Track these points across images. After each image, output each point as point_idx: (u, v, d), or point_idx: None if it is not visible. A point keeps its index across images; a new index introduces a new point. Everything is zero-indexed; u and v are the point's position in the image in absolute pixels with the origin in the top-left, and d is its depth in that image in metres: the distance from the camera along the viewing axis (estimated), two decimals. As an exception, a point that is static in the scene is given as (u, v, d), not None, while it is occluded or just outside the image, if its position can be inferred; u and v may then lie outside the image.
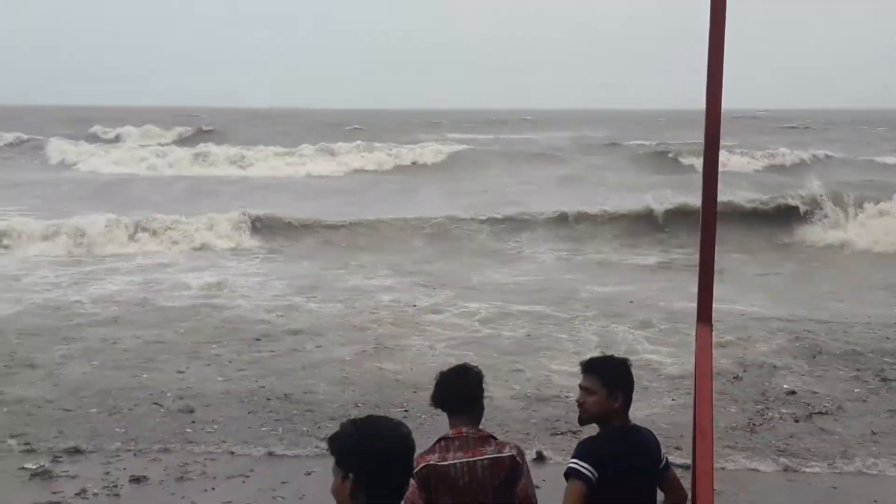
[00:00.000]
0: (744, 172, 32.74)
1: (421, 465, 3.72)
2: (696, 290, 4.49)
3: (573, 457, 3.77)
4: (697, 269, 4.45)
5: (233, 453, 7.83)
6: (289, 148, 40.07)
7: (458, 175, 34.09)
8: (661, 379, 9.91)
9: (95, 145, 42.70)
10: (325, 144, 40.50)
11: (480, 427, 3.95)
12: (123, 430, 8.34)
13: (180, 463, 7.61)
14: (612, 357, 4.11)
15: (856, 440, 8.19)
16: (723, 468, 7.35)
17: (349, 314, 13.15)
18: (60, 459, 7.61)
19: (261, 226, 20.97)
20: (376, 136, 47.84)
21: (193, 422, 8.56)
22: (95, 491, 7.03)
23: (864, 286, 15.81)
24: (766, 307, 13.64)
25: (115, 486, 7.13)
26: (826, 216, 21.09)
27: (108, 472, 7.39)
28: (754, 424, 8.53)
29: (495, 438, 3.94)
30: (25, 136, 45.54)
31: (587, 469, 3.69)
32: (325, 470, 7.39)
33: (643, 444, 3.93)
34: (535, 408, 9.05)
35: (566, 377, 9.66)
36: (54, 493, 6.97)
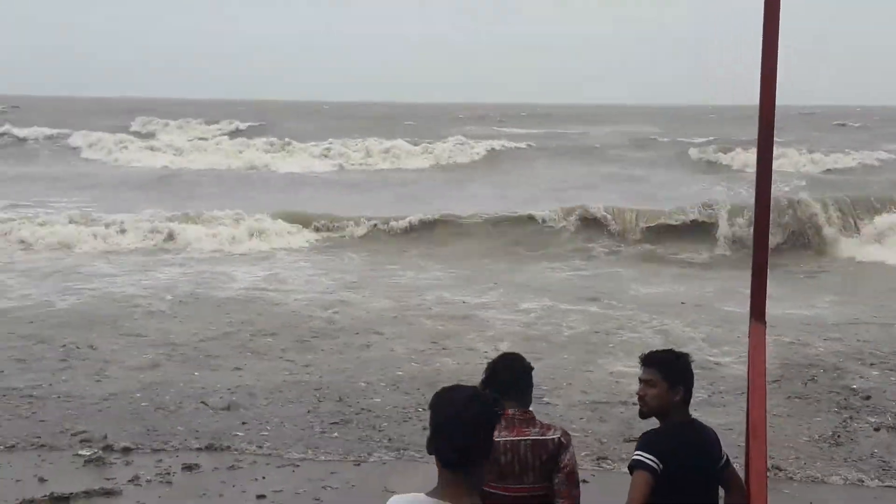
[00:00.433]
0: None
1: None
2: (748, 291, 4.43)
3: (637, 449, 3.79)
4: (751, 267, 4.39)
5: (282, 455, 7.72)
6: (383, 141, 40.19)
7: (518, 170, 33.85)
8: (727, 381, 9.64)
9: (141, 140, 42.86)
10: (414, 140, 40.88)
11: (529, 409, 4.03)
12: (177, 427, 8.32)
13: (232, 455, 7.68)
14: (672, 350, 4.10)
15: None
16: (823, 481, 7.22)
17: (402, 309, 13.13)
18: (114, 448, 7.72)
19: (315, 222, 20.95)
20: (430, 132, 47.45)
21: (244, 423, 8.44)
22: (148, 478, 7.14)
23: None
24: (823, 310, 13.42)
25: (168, 475, 7.23)
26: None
27: (160, 460, 7.51)
28: (837, 435, 8.22)
29: (541, 422, 4.02)
30: (66, 131, 44.89)
31: (652, 460, 3.70)
32: (374, 461, 7.50)
33: (704, 440, 3.91)
34: (603, 412, 8.84)
35: (633, 379, 9.46)
36: (107, 479, 7.09)
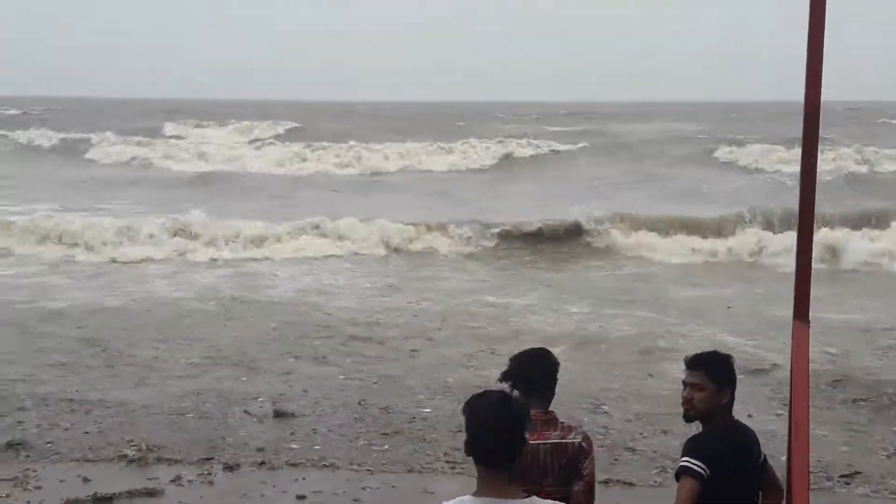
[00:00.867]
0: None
1: None
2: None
3: (684, 455, 3.72)
4: (794, 266, 4.30)
5: (327, 463, 7.63)
6: (447, 143, 40.07)
7: (572, 170, 33.58)
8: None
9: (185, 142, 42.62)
10: (474, 141, 40.66)
11: (550, 409, 3.90)
12: (221, 435, 8.23)
13: (274, 457, 7.69)
14: (717, 352, 4.01)
15: None
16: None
17: (452, 315, 12.93)
18: (156, 450, 7.77)
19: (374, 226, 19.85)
20: (477, 131, 46.69)
21: (293, 433, 8.32)
22: (190, 478, 7.20)
23: None
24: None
25: (210, 475, 7.29)
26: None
27: (202, 460, 7.56)
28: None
29: (563, 423, 3.88)
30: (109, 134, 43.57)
31: (699, 466, 3.64)
32: (411, 463, 7.44)
33: (746, 441, 3.87)
34: (659, 425, 8.50)
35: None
36: (150, 479, 7.16)
